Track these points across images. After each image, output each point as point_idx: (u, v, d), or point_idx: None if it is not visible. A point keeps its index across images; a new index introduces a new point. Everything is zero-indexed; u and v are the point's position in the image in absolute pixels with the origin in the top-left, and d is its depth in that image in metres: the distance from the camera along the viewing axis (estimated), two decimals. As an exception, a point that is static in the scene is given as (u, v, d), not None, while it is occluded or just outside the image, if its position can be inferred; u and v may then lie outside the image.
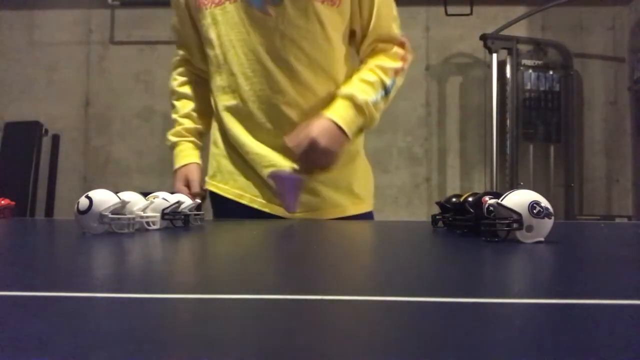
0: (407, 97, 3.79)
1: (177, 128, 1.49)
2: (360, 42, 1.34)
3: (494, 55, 3.65)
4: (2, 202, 1.36)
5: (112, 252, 0.64)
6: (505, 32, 3.66)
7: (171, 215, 0.90)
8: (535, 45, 3.81)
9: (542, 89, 3.80)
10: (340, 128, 1.21)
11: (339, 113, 1.23)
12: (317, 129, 1.19)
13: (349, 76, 1.33)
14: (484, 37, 3.63)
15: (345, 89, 1.26)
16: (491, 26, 3.70)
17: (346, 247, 0.74)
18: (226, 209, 1.35)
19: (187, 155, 1.47)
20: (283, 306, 0.32)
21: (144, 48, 3.93)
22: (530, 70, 3.79)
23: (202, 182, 1.42)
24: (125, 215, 0.79)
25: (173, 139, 1.49)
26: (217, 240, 0.90)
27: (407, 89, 3.90)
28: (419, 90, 3.84)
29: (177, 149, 1.49)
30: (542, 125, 3.80)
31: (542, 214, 0.63)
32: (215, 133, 1.41)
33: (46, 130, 3.82)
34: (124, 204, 0.79)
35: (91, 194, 0.79)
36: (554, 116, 3.81)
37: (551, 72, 3.81)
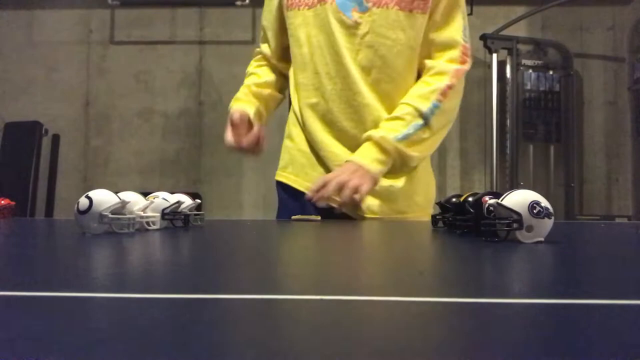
0: (407, 97, 3.79)
1: (237, 95, 1.46)
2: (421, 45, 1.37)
3: (494, 55, 3.65)
4: (2, 202, 1.36)
5: (112, 252, 0.64)
6: (505, 32, 3.67)
7: (171, 215, 0.90)
8: (535, 45, 3.81)
9: (542, 89, 3.80)
10: (362, 166, 1.26)
11: (361, 154, 1.28)
12: (338, 171, 1.26)
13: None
14: (484, 37, 3.63)
15: (369, 132, 1.30)
16: (491, 26, 3.70)
17: (346, 247, 0.74)
18: (294, 201, 1.37)
19: (243, 106, 1.41)
20: (283, 306, 0.32)
21: (143, 48, 3.93)
22: (530, 70, 3.79)
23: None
24: (125, 215, 0.79)
25: (237, 96, 1.46)
26: (217, 241, 0.90)
27: (407, 89, 3.90)
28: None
29: (235, 104, 1.43)
30: (542, 125, 3.80)
31: (542, 214, 0.63)
32: (291, 127, 1.44)
33: (46, 130, 3.83)
34: (124, 204, 0.79)
35: (91, 194, 0.78)
36: (554, 116, 3.81)
37: (551, 72, 3.81)
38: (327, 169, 1.34)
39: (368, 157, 1.27)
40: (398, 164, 1.30)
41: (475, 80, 3.91)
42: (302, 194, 1.34)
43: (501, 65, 3.70)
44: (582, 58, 3.92)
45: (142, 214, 0.84)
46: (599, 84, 3.96)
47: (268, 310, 0.31)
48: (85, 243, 0.72)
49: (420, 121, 1.30)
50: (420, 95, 1.32)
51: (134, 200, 0.83)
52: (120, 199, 0.78)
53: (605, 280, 0.43)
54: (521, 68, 3.76)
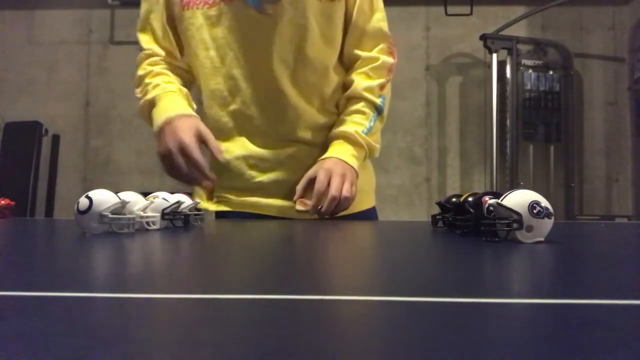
0: (407, 97, 3.79)
1: (152, 83, 1.31)
2: (344, 35, 1.30)
3: (494, 55, 3.65)
4: (2, 202, 1.36)
5: (111, 253, 0.64)
6: (505, 32, 3.67)
7: (171, 215, 0.90)
8: (535, 45, 3.81)
9: (542, 89, 3.80)
10: (344, 161, 1.22)
11: (338, 151, 1.24)
12: (326, 165, 1.21)
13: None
14: (484, 37, 3.64)
15: (337, 129, 1.26)
16: (491, 26, 3.70)
17: (346, 247, 0.74)
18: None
19: (181, 104, 1.27)
20: (283, 306, 0.32)
21: (144, 48, 3.93)
22: (530, 70, 3.79)
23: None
24: (125, 215, 0.79)
25: (153, 91, 1.29)
26: (217, 241, 0.90)
27: (407, 89, 3.91)
28: (419, 90, 3.84)
29: (163, 101, 1.27)
30: (542, 125, 3.81)
31: (542, 214, 0.63)
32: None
33: (46, 130, 3.83)
34: (124, 204, 0.79)
35: (91, 193, 0.78)
36: (554, 116, 3.81)
37: (551, 72, 3.81)
38: (251, 176, 1.26)
39: (346, 154, 1.23)
40: (365, 158, 1.29)
41: (475, 80, 3.91)
42: (232, 212, 1.26)
43: (501, 65, 3.70)
44: (582, 58, 3.92)
45: (142, 214, 0.83)
46: (599, 84, 3.96)
47: (268, 310, 0.31)
48: (85, 243, 0.72)
49: (376, 113, 1.29)
50: (368, 88, 1.29)
51: (134, 200, 0.83)
52: (120, 199, 0.78)
53: (605, 280, 0.43)
54: (521, 68, 3.76)
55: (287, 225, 1.16)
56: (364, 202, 1.34)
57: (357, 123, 1.27)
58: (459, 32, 3.84)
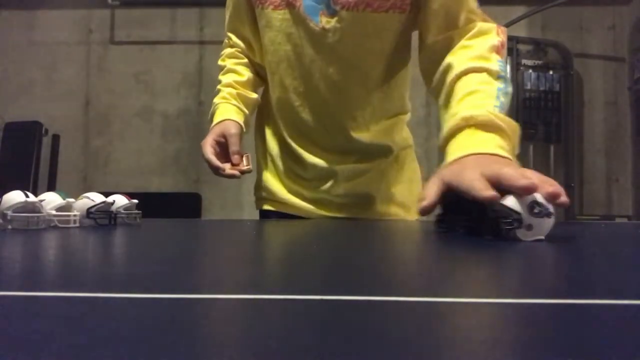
0: (407, 97, 3.79)
1: (220, 94, 1.30)
2: (426, 32, 1.12)
3: (494, 55, 3.65)
4: (2, 202, 1.36)
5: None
6: (505, 32, 3.67)
7: (96, 214, 0.94)
8: (535, 45, 3.81)
9: (542, 89, 3.80)
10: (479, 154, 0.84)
11: (470, 143, 0.88)
12: (470, 164, 0.81)
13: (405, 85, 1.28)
14: (484, 37, 3.64)
15: (461, 114, 0.91)
16: (491, 26, 3.70)
17: (347, 247, 0.74)
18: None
19: (226, 112, 1.25)
20: (284, 306, 0.32)
21: (143, 48, 3.93)
22: (530, 70, 3.79)
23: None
24: (33, 214, 0.87)
25: (215, 101, 1.29)
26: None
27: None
28: (419, 90, 3.82)
29: (217, 111, 1.27)
30: (542, 125, 3.81)
31: (541, 213, 0.64)
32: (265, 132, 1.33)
33: (46, 130, 3.83)
34: (30, 203, 0.86)
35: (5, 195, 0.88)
36: (554, 116, 3.82)
37: (551, 72, 3.81)
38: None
39: (487, 144, 0.85)
40: (513, 148, 0.88)
41: (475, 80, 3.91)
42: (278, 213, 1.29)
43: (501, 65, 3.70)
44: (582, 58, 3.92)
45: (54, 212, 0.90)
46: (599, 84, 3.96)
47: (262, 310, 0.31)
48: None
49: (500, 83, 0.96)
50: (475, 57, 1.00)
51: (50, 199, 0.91)
52: (28, 198, 0.86)
53: (608, 280, 0.43)
54: (521, 68, 3.76)
55: (273, 224, 1.16)
56: (402, 216, 1.31)
57: (480, 102, 0.91)
58: (459, 32, 3.84)
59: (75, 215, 0.93)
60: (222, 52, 1.37)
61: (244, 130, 1.25)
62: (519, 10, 3.80)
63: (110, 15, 4.01)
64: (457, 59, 1.03)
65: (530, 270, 0.51)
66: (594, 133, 3.94)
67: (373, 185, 1.28)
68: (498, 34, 1.07)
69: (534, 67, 3.78)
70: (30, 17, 4.04)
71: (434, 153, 3.90)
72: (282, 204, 1.31)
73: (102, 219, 0.96)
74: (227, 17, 1.33)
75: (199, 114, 3.93)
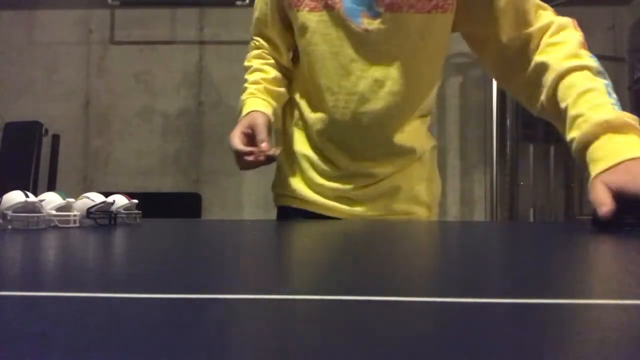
0: (407, 97, 3.79)
1: (248, 90, 1.30)
2: (496, 31, 1.12)
3: (494, 55, 3.65)
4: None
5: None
6: (505, 32, 3.66)
7: (96, 214, 0.94)
8: (535, 45, 3.81)
9: (542, 89, 3.80)
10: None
11: (611, 150, 0.91)
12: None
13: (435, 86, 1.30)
14: (484, 37, 3.63)
15: (594, 119, 0.96)
16: (491, 26, 3.70)
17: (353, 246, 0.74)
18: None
19: (253, 104, 1.24)
20: (284, 306, 0.32)
21: (143, 48, 3.93)
22: (530, 70, 3.79)
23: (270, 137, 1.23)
24: (34, 214, 0.88)
25: (244, 97, 1.28)
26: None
27: (407, 89, 3.91)
28: (419, 90, 3.84)
29: (245, 105, 1.26)
30: (542, 125, 3.80)
31: None
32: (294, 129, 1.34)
33: (46, 130, 3.83)
34: (30, 203, 0.87)
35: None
36: (554, 116, 3.81)
37: (551, 72, 3.81)
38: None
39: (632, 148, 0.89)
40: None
41: (475, 80, 3.91)
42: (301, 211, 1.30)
43: (501, 65, 3.70)
44: (582, 58, 3.91)
45: (54, 212, 0.90)
46: (599, 84, 3.96)
47: (268, 310, 0.31)
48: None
49: (602, 78, 1.03)
50: (575, 55, 1.05)
51: (50, 199, 0.91)
52: (28, 198, 0.87)
53: None
54: (521, 68, 3.76)
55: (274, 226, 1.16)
56: (421, 215, 1.34)
57: (598, 102, 0.98)
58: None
59: (75, 215, 0.93)
60: (248, 55, 1.38)
61: (272, 121, 1.24)
62: (519, 10, 3.80)
63: (110, 15, 4.00)
64: (551, 57, 1.07)
65: None
66: (594, 133, 3.94)
67: (397, 183, 1.30)
68: (576, 27, 1.15)
69: (534, 67, 3.78)
70: (30, 17, 4.03)
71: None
72: (303, 201, 1.32)
73: (102, 219, 0.96)
74: (253, 20, 1.35)
75: (199, 114, 3.93)
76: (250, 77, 1.32)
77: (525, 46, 1.12)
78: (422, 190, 1.34)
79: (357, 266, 0.52)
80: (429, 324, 0.28)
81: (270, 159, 1.16)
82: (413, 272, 0.48)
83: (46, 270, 0.50)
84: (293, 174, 1.33)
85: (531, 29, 1.12)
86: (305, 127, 1.31)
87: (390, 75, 1.17)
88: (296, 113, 1.33)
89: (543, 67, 1.08)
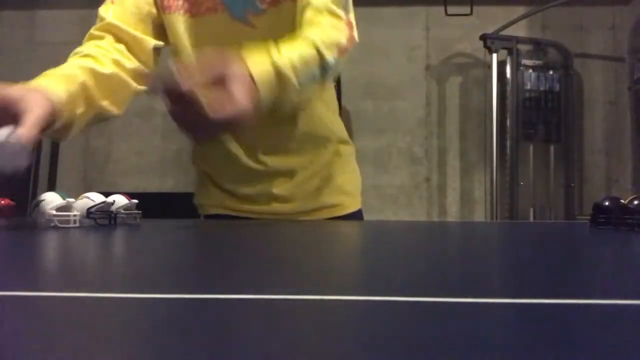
0: (407, 97, 3.79)
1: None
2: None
3: (494, 55, 3.65)
4: (2, 202, 1.36)
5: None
6: (505, 32, 3.67)
7: (96, 214, 0.95)
8: (535, 45, 3.81)
9: (542, 89, 3.80)
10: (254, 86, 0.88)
11: (263, 76, 0.90)
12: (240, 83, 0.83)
13: None
14: (484, 37, 3.63)
15: (279, 56, 0.94)
16: (491, 26, 3.70)
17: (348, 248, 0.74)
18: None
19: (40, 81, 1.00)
20: (284, 306, 0.32)
21: (144, 48, 3.93)
22: (530, 70, 3.79)
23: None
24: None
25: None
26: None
27: (407, 89, 3.91)
28: (419, 90, 3.84)
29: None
30: (542, 125, 3.80)
31: None
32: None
33: (46, 130, 3.82)
34: (37, 202, 0.92)
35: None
36: (554, 116, 3.81)
37: (551, 72, 3.81)
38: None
39: (266, 83, 0.90)
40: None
41: (475, 80, 3.91)
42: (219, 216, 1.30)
43: (501, 65, 3.70)
44: (582, 58, 3.91)
45: (54, 212, 0.92)
46: (599, 84, 3.96)
47: (264, 310, 0.31)
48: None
49: (318, 72, 1.01)
50: (324, 43, 1.02)
51: (50, 199, 0.93)
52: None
53: None
54: (521, 68, 3.76)
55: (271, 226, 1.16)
56: (349, 205, 1.34)
57: (298, 71, 0.96)
58: (459, 32, 3.84)
59: (75, 215, 0.93)
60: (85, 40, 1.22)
61: (60, 109, 0.93)
62: (519, 10, 3.80)
63: (110, 15, 4.00)
64: (307, 31, 1.07)
65: None
66: (594, 133, 3.94)
67: (321, 176, 1.30)
68: (349, 39, 1.10)
69: (534, 67, 3.78)
70: (30, 17, 4.03)
71: (434, 153, 3.90)
72: (230, 209, 1.32)
73: (102, 219, 0.96)
74: (105, 12, 1.23)
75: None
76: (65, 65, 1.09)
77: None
78: (345, 180, 1.35)
79: (360, 266, 0.52)
80: (429, 324, 0.27)
81: None
82: (413, 272, 0.48)
83: (46, 270, 0.50)
84: (212, 184, 1.33)
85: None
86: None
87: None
88: None
89: None
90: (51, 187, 3.80)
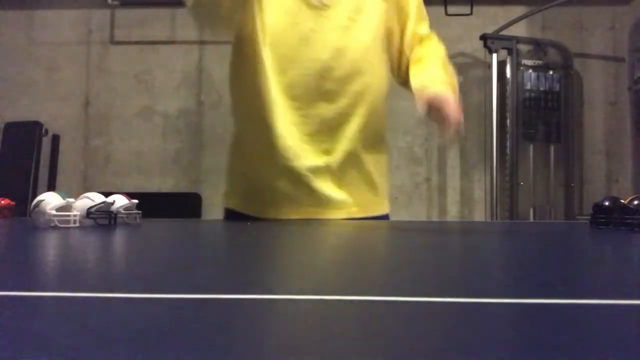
0: (407, 97, 3.78)
1: None
2: (400, 38, 1.41)
3: (494, 55, 3.65)
4: (2, 202, 1.36)
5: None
6: (505, 32, 3.66)
7: (96, 214, 0.95)
8: (535, 45, 3.81)
9: (542, 89, 3.79)
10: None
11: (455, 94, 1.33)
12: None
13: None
14: (484, 37, 3.63)
15: (445, 81, 1.34)
16: (491, 26, 3.70)
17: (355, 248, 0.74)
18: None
19: None
20: (284, 306, 0.32)
21: (143, 48, 3.93)
22: (530, 70, 3.78)
23: None
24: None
25: None
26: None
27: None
28: (419, 90, 3.83)
29: None
30: (542, 125, 3.80)
31: None
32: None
33: (46, 130, 3.82)
34: (37, 202, 0.91)
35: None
36: (554, 116, 3.81)
37: (551, 72, 3.81)
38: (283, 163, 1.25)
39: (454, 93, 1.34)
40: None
41: (475, 80, 3.91)
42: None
43: (501, 65, 3.70)
44: (582, 58, 3.91)
45: (54, 212, 0.92)
46: (599, 84, 3.96)
47: (267, 310, 0.31)
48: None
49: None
50: (444, 60, 1.39)
51: (49, 199, 0.94)
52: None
53: None
54: (521, 68, 3.75)
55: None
56: (383, 205, 1.39)
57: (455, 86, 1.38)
58: (459, 32, 3.84)
59: (75, 215, 0.93)
60: None
61: None
62: (519, 10, 3.80)
63: (110, 15, 4.00)
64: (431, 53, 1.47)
65: None
66: (594, 133, 3.93)
67: (373, 170, 1.35)
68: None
69: (534, 67, 3.78)
70: (30, 17, 4.03)
71: (434, 153, 3.90)
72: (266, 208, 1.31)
73: (102, 219, 0.96)
74: None
75: (199, 114, 3.92)
76: None
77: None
78: (385, 183, 1.41)
79: (357, 266, 0.52)
80: (430, 324, 0.27)
81: None
82: (413, 272, 0.48)
83: (46, 270, 0.50)
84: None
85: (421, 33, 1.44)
86: (265, 120, 1.28)
87: (348, 46, 1.28)
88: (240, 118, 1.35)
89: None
90: (51, 187, 3.80)
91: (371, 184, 1.34)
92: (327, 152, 1.27)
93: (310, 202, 1.26)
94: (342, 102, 1.27)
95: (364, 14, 1.31)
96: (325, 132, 1.27)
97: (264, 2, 1.27)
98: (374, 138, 1.35)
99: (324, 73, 1.26)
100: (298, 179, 1.25)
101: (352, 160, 1.30)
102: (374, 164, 1.35)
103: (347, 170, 1.29)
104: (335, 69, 1.27)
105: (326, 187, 1.26)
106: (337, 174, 1.28)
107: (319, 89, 1.26)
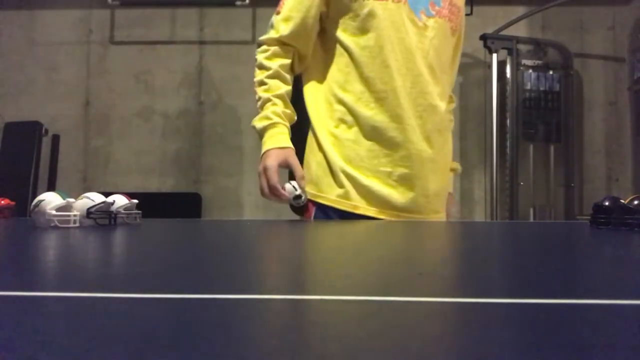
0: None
1: (274, 108, 1.35)
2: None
3: (494, 55, 3.65)
4: (2, 202, 1.36)
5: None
6: (505, 32, 3.66)
7: (96, 214, 0.95)
8: (535, 45, 3.81)
9: (542, 89, 3.79)
10: None
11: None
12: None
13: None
14: (484, 37, 3.63)
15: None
16: (491, 26, 3.70)
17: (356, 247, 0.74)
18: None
19: (285, 139, 1.35)
20: (288, 306, 0.32)
21: (143, 48, 3.93)
22: (530, 70, 3.78)
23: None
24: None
25: (272, 116, 1.35)
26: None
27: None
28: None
29: (274, 130, 1.35)
30: (542, 125, 3.80)
31: None
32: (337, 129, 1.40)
33: (46, 130, 3.82)
34: (37, 202, 0.91)
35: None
36: (554, 116, 3.81)
37: (551, 72, 3.81)
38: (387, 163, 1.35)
39: None
40: None
41: (475, 80, 3.91)
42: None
43: (501, 65, 3.70)
44: (582, 58, 3.91)
45: (54, 212, 0.92)
46: (599, 84, 3.96)
47: (270, 311, 0.31)
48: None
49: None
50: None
51: (50, 199, 0.94)
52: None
53: None
54: (521, 68, 3.75)
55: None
56: (442, 214, 1.51)
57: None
58: (459, 32, 3.84)
59: (75, 215, 0.93)
60: (268, 48, 1.41)
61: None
62: (519, 10, 3.80)
63: (110, 15, 4.00)
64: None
65: None
66: (594, 133, 3.93)
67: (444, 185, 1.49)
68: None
69: (534, 67, 3.78)
70: (30, 17, 4.03)
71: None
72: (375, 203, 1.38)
73: (102, 219, 0.96)
74: (282, 21, 1.40)
75: (199, 114, 3.92)
76: (271, 82, 1.38)
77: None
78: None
79: (358, 266, 0.52)
80: (430, 324, 0.27)
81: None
82: (413, 272, 0.48)
83: (46, 270, 0.50)
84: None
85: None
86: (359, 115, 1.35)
87: (440, 66, 1.42)
88: (340, 110, 1.38)
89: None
90: (51, 187, 3.79)
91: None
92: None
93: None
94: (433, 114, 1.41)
95: (448, 42, 1.47)
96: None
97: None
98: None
99: (425, 87, 1.41)
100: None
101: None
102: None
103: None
104: (431, 84, 1.41)
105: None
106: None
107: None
